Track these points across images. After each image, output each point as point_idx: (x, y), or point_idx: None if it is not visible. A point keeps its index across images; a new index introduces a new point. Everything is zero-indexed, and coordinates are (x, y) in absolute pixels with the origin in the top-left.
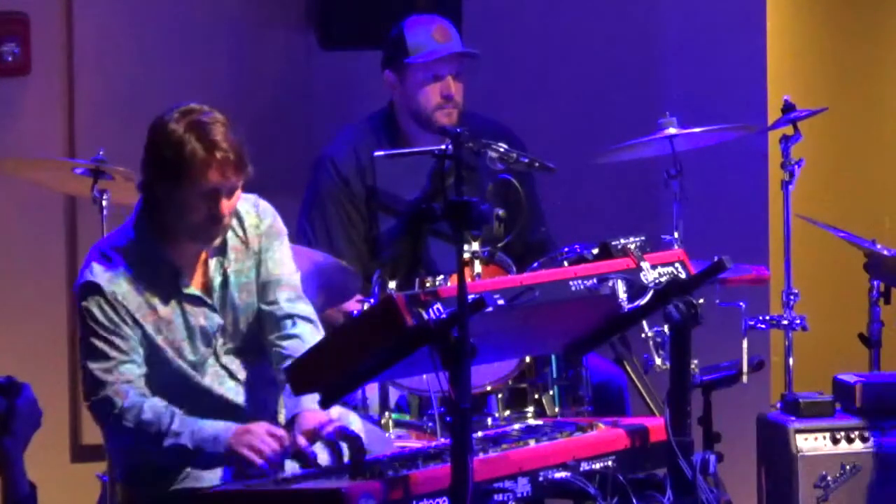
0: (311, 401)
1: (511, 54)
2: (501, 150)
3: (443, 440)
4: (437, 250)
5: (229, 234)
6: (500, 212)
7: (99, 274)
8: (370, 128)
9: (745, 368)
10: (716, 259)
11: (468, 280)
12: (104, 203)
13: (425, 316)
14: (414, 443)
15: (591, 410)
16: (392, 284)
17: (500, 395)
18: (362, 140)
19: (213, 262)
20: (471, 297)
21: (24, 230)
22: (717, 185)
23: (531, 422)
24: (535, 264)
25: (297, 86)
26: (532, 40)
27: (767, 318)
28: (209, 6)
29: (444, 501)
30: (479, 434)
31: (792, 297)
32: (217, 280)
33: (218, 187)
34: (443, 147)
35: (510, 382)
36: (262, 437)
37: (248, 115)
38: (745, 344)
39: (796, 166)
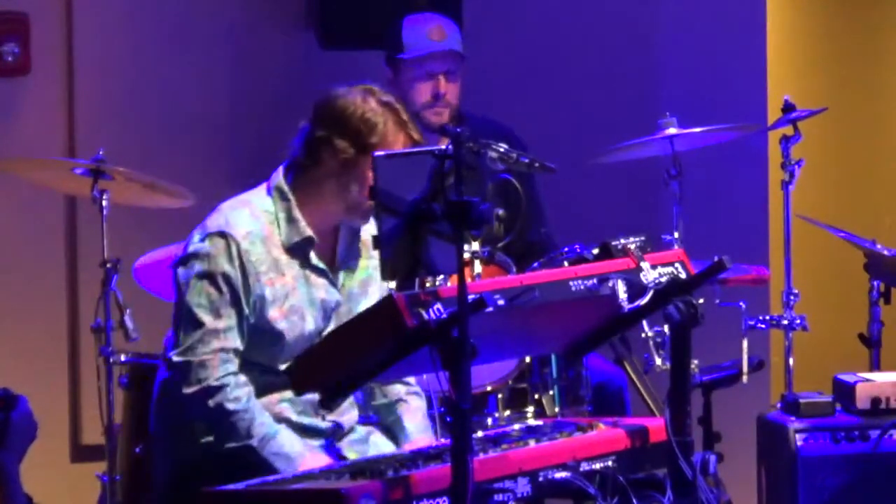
0: (423, 430)
1: (511, 54)
2: (501, 150)
3: (443, 440)
4: (437, 250)
5: (353, 234)
6: (500, 212)
7: (235, 225)
8: None
9: (745, 368)
10: (716, 259)
11: (468, 280)
12: (104, 203)
13: (425, 316)
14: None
15: (591, 410)
16: (392, 284)
17: (500, 395)
18: None
19: (341, 242)
20: (471, 297)
21: (24, 230)
22: (717, 185)
23: (531, 422)
24: (536, 264)
25: (297, 86)
26: (532, 40)
27: (767, 318)
28: (209, 6)
29: (444, 501)
30: (479, 434)
31: (792, 297)
32: (345, 266)
33: None
34: (443, 147)
35: (510, 382)
36: None
37: (249, 115)
38: (745, 344)
39: (796, 166)
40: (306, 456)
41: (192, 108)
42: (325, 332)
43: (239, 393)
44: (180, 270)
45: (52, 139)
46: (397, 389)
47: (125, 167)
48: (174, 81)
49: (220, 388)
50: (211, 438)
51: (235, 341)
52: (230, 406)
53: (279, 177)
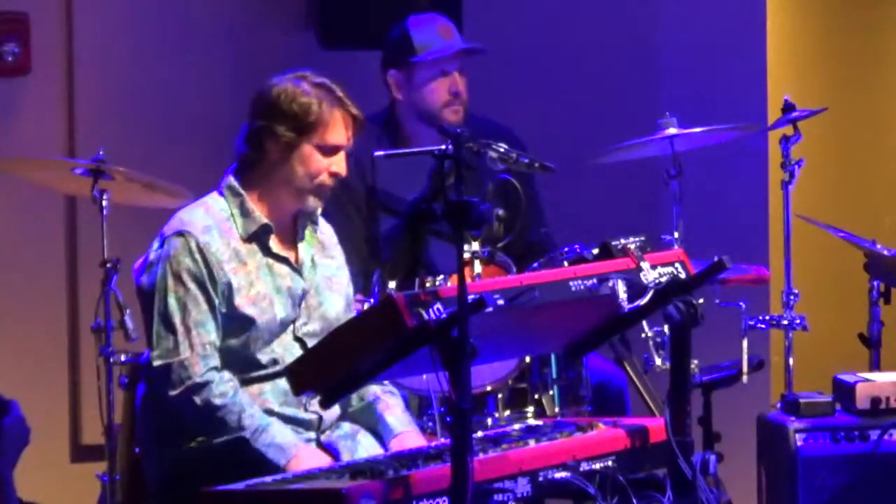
0: (407, 423)
1: (511, 54)
2: (501, 150)
3: (443, 440)
4: (437, 250)
5: (312, 227)
6: (500, 212)
7: (191, 223)
8: (370, 128)
9: (745, 368)
10: (716, 259)
11: (468, 280)
12: (104, 203)
13: (425, 316)
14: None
15: (591, 410)
16: (392, 284)
17: (500, 395)
18: (362, 140)
19: (302, 245)
20: (471, 297)
21: (24, 230)
22: (717, 185)
23: (531, 422)
24: (535, 264)
25: None
26: (532, 40)
27: (767, 318)
28: (209, 6)
29: (444, 501)
30: (479, 434)
31: (792, 297)
32: (307, 257)
33: (342, 144)
34: (443, 147)
35: (510, 382)
36: (317, 461)
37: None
38: (745, 344)
39: (796, 166)
40: (300, 447)
41: (192, 108)
42: (296, 323)
43: (224, 388)
44: (144, 279)
45: (52, 139)
46: (372, 390)
47: (125, 167)
48: (174, 81)
49: (205, 384)
50: (201, 439)
51: (210, 335)
52: (217, 401)
53: (229, 178)
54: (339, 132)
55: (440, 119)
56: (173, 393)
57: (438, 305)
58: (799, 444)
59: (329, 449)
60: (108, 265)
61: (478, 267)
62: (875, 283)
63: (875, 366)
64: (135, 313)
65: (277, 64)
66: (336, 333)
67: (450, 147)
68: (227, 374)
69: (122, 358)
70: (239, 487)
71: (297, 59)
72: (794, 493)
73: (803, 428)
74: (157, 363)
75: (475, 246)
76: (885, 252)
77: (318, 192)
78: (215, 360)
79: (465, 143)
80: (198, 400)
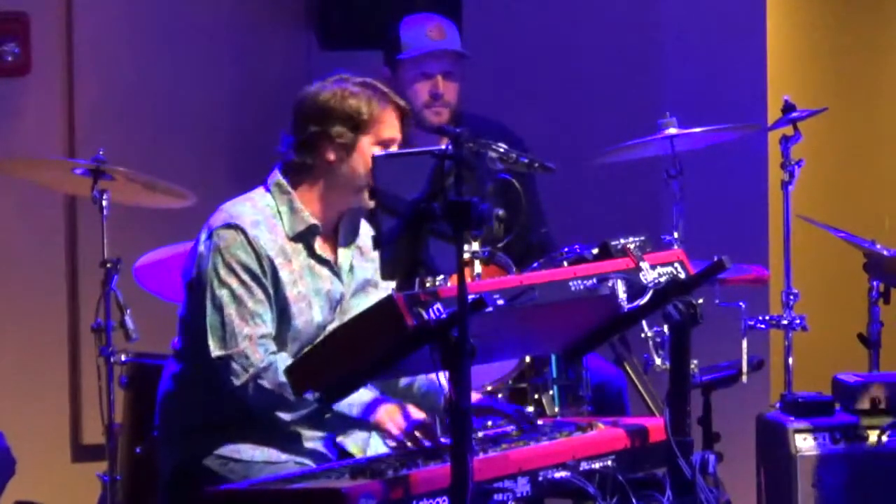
0: None
1: (511, 54)
2: (501, 150)
3: (443, 440)
4: (437, 250)
5: (354, 232)
6: (500, 212)
7: (240, 216)
8: None
9: (744, 368)
10: (716, 259)
11: (468, 280)
12: (104, 203)
13: (425, 316)
14: None
15: (590, 410)
16: (393, 285)
17: (500, 395)
18: None
19: (342, 249)
20: (471, 297)
21: (24, 230)
22: (717, 185)
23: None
24: (535, 264)
25: (297, 86)
26: (532, 40)
27: (767, 318)
28: (209, 7)
29: (444, 501)
30: (479, 434)
31: (792, 297)
32: (346, 262)
33: (396, 137)
34: (443, 147)
35: (510, 382)
36: (401, 413)
37: (249, 115)
38: (744, 344)
39: (796, 167)
40: (381, 400)
41: (192, 108)
42: (329, 327)
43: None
44: (193, 273)
45: (52, 139)
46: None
47: (125, 167)
48: (174, 81)
49: (268, 367)
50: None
51: (266, 326)
52: (284, 378)
53: (277, 175)
54: (392, 126)
55: (422, 119)
56: (238, 383)
57: (438, 305)
58: (798, 443)
59: (343, 449)
60: (109, 265)
61: (478, 267)
62: (875, 283)
63: (874, 366)
64: (136, 314)
65: (277, 64)
66: (336, 333)
67: (450, 147)
68: (284, 354)
69: (123, 358)
70: (241, 486)
71: (296, 60)
72: (793, 492)
73: (803, 428)
74: (215, 354)
75: (475, 246)
76: (885, 252)
77: None
78: (273, 346)
79: (465, 142)
80: (266, 383)
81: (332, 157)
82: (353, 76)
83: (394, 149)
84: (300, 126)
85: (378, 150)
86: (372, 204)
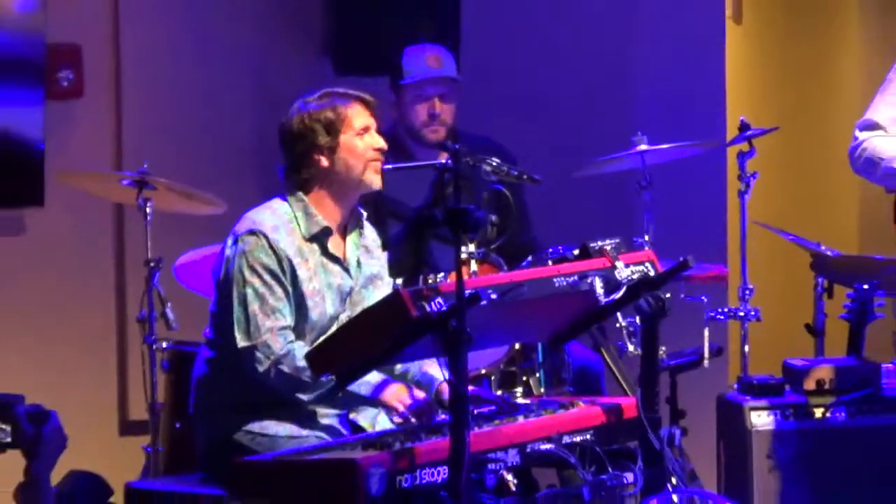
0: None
1: (503, 79)
2: (494, 163)
3: (443, 416)
4: (438, 251)
5: (359, 231)
6: (494, 218)
7: (261, 223)
8: None
9: (706, 354)
10: (681, 259)
11: (465, 277)
12: (148, 210)
13: (428, 308)
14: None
15: (572, 391)
16: (399, 281)
17: (493, 378)
18: None
19: (350, 240)
20: (468, 292)
21: (77, 233)
22: (682, 195)
23: (520, 400)
24: (524, 263)
25: None
26: (522, 67)
27: (726, 310)
28: (237, 39)
29: (443, 470)
30: (475, 411)
31: (747, 292)
32: (354, 258)
33: (370, 124)
34: (443, 161)
35: (502, 366)
36: (406, 393)
37: (272, 134)
38: (706, 333)
39: (751, 178)
40: (388, 380)
41: (224, 128)
42: (341, 318)
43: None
44: (221, 273)
45: (102, 154)
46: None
47: (166, 178)
48: (208, 103)
49: (287, 353)
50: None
51: (285, 319)
52: (302, 363)
53: (291, 186)
54: (361, 115)
55: (421, 137)
56: (261, 369)
57: (439, 299)
58: (754, 420)
59: (355, 424)
60: (152, 264)
61: (474, 266)
62: (820, 279)
63: (820, 352)
64: (175, 306)
65: (298, 88)
66: (350, 323)
67: (449, 161)
68: (301, 343)
69: (164, 345)
70: (266, 457)
71: (314, 84)
72: (748, 463)
73: (758, 406)
74: (241, 345)
75: (471, 247)
76: (829, 253)
77: (372, 169)
78: (291, 336)
79: (462, 157)
80: (286, 368)
81: (325, 162)
82: (309, 94)
83: (373, 133)
84: (289, 152)
85: (357, 142)
86: (379, 181)
